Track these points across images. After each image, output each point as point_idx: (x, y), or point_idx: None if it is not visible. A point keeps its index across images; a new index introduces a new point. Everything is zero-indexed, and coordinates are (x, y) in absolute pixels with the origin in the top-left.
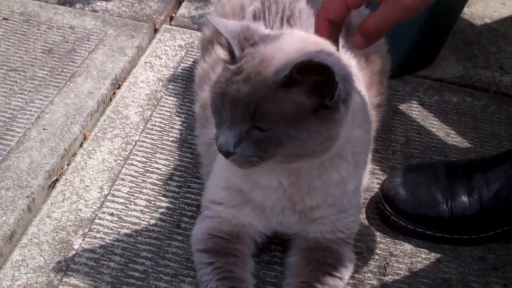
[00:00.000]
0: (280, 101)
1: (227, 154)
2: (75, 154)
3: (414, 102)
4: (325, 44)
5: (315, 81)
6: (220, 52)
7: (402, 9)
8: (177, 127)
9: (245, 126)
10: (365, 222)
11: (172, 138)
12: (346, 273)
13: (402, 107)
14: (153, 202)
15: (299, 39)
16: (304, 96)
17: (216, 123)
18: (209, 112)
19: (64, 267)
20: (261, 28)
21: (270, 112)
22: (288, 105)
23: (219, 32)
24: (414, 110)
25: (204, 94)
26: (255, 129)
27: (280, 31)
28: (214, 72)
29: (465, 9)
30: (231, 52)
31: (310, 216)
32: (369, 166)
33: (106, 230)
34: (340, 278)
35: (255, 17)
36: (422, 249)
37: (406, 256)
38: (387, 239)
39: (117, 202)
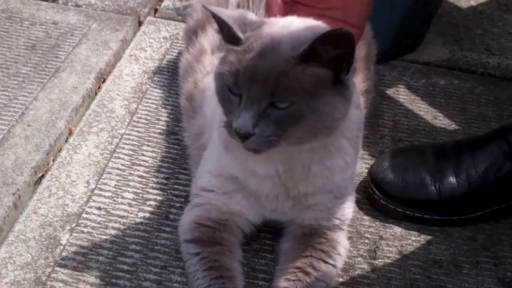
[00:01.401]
0: (300, 75)
1: (246, 136)
2: (60, 149)
3: (401, 86)
4: (321, 25)
5: (335, 56)
6: (205, 42)
7: None
8: (163, 119)
9: (264, 104)
10: (354, 206)
11: (159, 130)
12: (340, 260)
13: (390, 91)
14: (140, 195)
15: (301, 21)
16: (323, 70)
17: (226, 110)
18: (195, 103)
19: (52, 263)
20: (254, 16)
21: (291, 86)
22: (308, 78)
23: (218, 18)
24: (402, 94)
25: (188, 86)
26: (273, 107)
27: (275, 18)
28: (199, 63)
29: None
30: (232, 35)
31: (304, 202)
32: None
33: (93, 224)
34: (334, 266)
35: (239, 8)
36: (412, 232)
37: (396, 239)
38: (376, 223)
39: (104, 196)
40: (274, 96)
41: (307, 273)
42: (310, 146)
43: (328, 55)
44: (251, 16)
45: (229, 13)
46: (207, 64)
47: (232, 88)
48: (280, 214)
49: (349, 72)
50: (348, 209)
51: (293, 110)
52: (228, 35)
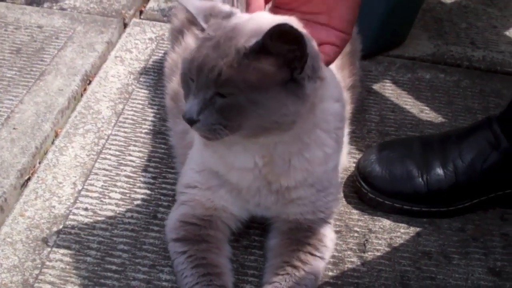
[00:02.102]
0: (245, 68)
1: (190, 122)
2: (46, 151)
3: (387, 81)
4: (296, 21)
5: (286, 53)
6: (191, 41)
7: None
8: (150, 119)
9: (209, 92)
10: (343, 201)
11: (146, 130)
12: (327, 252)
13: (376, 86)
14: (128, 195)
15: (271, 17)
16: (273, 66)
17: (185, 95)
18: (180, 102)
19: (39, 264)
20: (227, 7)
21: (232, 78)
22: (253, 72)
23: (187, 9)
24: (388, 89)
25: (173, 85)
26: (218, 96)
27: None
28: None
29: None
30: (200, 25)
31: (287, 197)
32: (347, 147)
33: (81, 225)
34: (321, 258)
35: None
36: (400, 224)
37: (385, 232)
38: (365, 216)
39: (91, 197)
40: (216, 86)
41: (295, 267)
42: (275, 139)
43: (278, 52)
44: (223, 7)
45: (198, 4)
46: None
47: (189, 74)
48: (264, 209)
49: (303, 71)
50: (333, 202)
51: (233, 101)
52: (199, 25)
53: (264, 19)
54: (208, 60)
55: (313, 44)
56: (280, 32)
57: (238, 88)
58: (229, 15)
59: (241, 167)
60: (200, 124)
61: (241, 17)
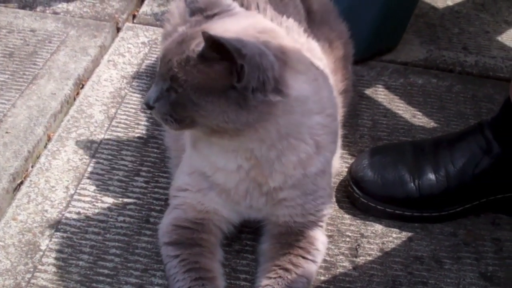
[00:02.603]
0: (191, 69)
1: (148, 107)
2: (39, 155)
3: (380, 86)
4: (272, 33)
5: (227, 62)
6: None
7: None
8: (142, 123)
9: (166, 84)
10: (335, 205)
11: (138, 135)
12: (319, 255)
13: (368, 91)
14: (120, 199)
15: (249, 23)
16: (214, 73)
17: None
18: None
19: (32, 268)
20: (229, 2)
21: (179, 76)
22: (197, 75)
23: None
24: (380, 94)
25: None
26: (172, 89)
27: (241, 10)
28: None
29: None
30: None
31: (275, 197)
32: (339, 151)
33: (73, 229)
34: (313, 261)
35: None
36: (392, 229)
37: (377, 236)
38: (357, 221)
39: (83, 201)
40: (169, 81)
41: (287, 270)
42: (234, 143)
43: (217, 60)
44: (224, 2)
45: None
46: None
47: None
48: (255, 211)
49: (240, 81)
50: (323, 205)
51: (180, 98)
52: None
53: (237, 26)
54: (168, 53)
55: (268, 58)
56: (211, 42)
57: (183, 87)
58: (221, 13)
59: (223, 168)
60: (155, 111)
61: (225, 17)
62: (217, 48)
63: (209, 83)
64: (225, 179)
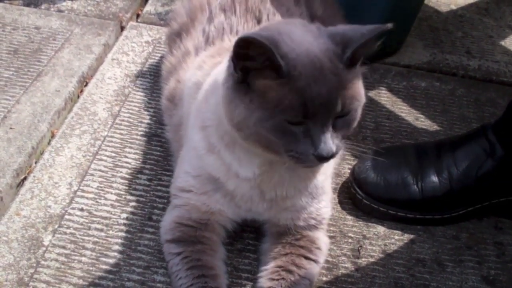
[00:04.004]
0: (350, 80)
1: (332, 157)
2: (43, 152)
3: (383, 88)
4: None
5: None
6: (189, 44)
7: None
8: (146, 121)
9: (332, 119)
10: (338, 206)
11: (141, 132)
12: (321, 256)
13: (371, 93)
14: (123, 196)
15: (298, 24)
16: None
17: (287, 141)
18: (175, 99)
19: (35, 263)
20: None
21: (350, 94)
22: (354, 80)
23: (259, 43)
24: (383, 96)
25: (170, 86)
26: (337, 118)
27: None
28: (184, 64)
29: None
30: (273, 63)
31: (282, 205)
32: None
33: (76, 225)
34: (316, 261)
35: (223, 10)
36: (395, 231)
37: (379, 238)
38: (360, 222)
39: (86, 198)
40: (343, 109)
41: (290, 271)
42: None
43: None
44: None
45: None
46: (191, 64)
47: (294, 120)
48: (255, 214)
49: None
50: (325, 208)
51: (352, 114)
52: (261, 63)
53: (306, 29)
54: (323, 94)
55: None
56: None
57: (357, 100)
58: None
59: (242, 176)
60: (336, 152)
61: (288, 36)
62: None
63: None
64: (236, 186)
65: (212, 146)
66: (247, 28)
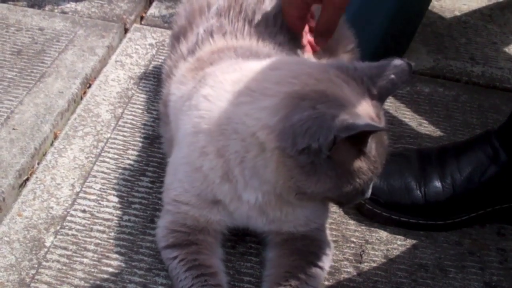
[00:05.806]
0: None
1: None
2: (45, 153)
3: None
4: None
5: None
6: (184, 49)
7: (337, 8)
8: (149, 124)
9: None
10: (340, 211)
11: (144, 135)
12: (327, 261)
13: None
14: (125, 198)
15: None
16: None
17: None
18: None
19: (36, 264)
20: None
21: None
22: None
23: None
24: (387, 102)
25: (165, 91)
26: None
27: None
28: (177, 69)
29: (435, 3)
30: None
31: (284, 219)
32: None
33: (78, 227)
34: (321, 268)
35: (219, 15)
36: (397, 236)
37: (382, 243)
38: (362, 227)
39: (89, 199)
40: None
41: (297, 278)
42: None
43: None
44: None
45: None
46: (177, 74)
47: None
48: (253, 228)
49: None
50: (322, 210)
51: None
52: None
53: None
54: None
55: None
56: None
57: None
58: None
59: (245, 200)
60: None
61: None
62: None
63: None
64: (237, 208)
65: (232, 175)
66: (237, 28)
